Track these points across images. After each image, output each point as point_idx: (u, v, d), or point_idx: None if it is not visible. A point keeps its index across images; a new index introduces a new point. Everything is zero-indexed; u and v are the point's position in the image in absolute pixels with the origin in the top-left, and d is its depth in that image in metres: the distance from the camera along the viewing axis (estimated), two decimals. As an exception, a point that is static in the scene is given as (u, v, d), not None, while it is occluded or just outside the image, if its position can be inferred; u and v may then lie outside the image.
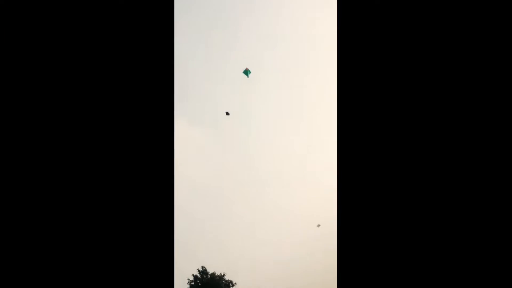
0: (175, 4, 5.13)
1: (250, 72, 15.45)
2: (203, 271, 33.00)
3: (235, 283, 33.72)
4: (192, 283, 32.51)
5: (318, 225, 23.54)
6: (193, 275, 32.72)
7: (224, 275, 33.32)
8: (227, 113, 23.31)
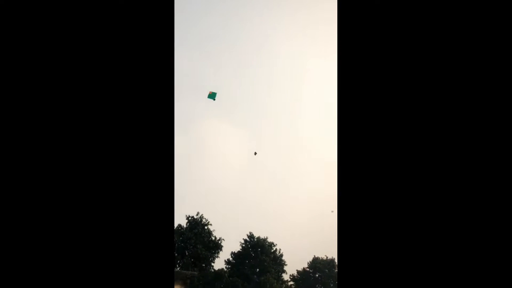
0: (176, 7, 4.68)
1: (215, 95, 15.64)
2: (251, 236, 41.37)
3: (276, 244, 41.02)
4: (243, 245, 41.14)
5: (255, 153, 23.97)
6: (243, 239, 41.40)
7: (266, 238, 41.06)
8: (255, 153, 30.87)
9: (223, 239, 39.09)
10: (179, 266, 37.89)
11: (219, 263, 40.29)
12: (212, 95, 15.64)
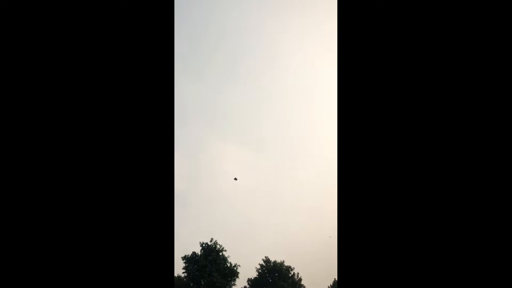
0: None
1: None
2: (267, 260, 40.09)
3: (294, 267, 39.56)
4: (260, 271, 39.79)
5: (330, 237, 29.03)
6: (259, 264, 40.09)
7: (283, 262, 39.70)
8: (235, 179, 30.18)
9: (239, 265, 37.95)
10: (195, 296, 36.73)
11: (236, 291, 38.88)
12: None
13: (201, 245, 37.63)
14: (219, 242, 37.95)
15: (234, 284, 38.05)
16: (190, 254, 37.30)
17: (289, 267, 39.51)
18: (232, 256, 38.27)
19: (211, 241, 37.97)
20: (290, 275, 39.38)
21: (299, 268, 40.04)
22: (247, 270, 40.38)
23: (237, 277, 38.01)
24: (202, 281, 36.31)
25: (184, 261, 37.08)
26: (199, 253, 37.25)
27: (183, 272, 37.14)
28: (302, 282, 39.57)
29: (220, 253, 37.57)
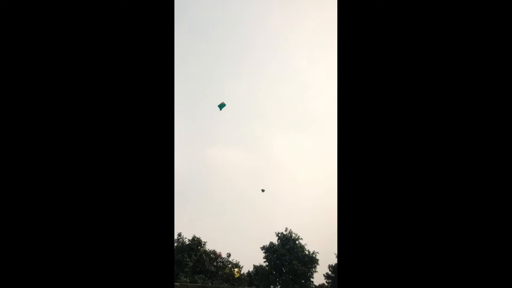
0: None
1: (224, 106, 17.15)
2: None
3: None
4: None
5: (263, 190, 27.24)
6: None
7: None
8: (263, 190, 28.48)
9: (317, 252, 38.34)
10: (279, 284, 38.25)
11: (318, 278, 39.33)
12: (221, 105, 16.84)
13: (277, 235, 39.09)
14: (293, 231, 38.94)
15: (316, 271, 38.56)
16: (268, 244, 39.08)
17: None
18: (309, 244, 38.88)
19: (285, 230, 39.18)
20: (373, 259, 38.21)
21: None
22: (327, 256, 40.54)
23: (317, 264, 38.44)
24: (283, 269, 37.73)
25: (263, 251, 39.02)
26: (276, 243, 38.76)
27: (264, 262, 39.09)
28: (387, 266, 38.06)
29: (297, 241, 38.47)
